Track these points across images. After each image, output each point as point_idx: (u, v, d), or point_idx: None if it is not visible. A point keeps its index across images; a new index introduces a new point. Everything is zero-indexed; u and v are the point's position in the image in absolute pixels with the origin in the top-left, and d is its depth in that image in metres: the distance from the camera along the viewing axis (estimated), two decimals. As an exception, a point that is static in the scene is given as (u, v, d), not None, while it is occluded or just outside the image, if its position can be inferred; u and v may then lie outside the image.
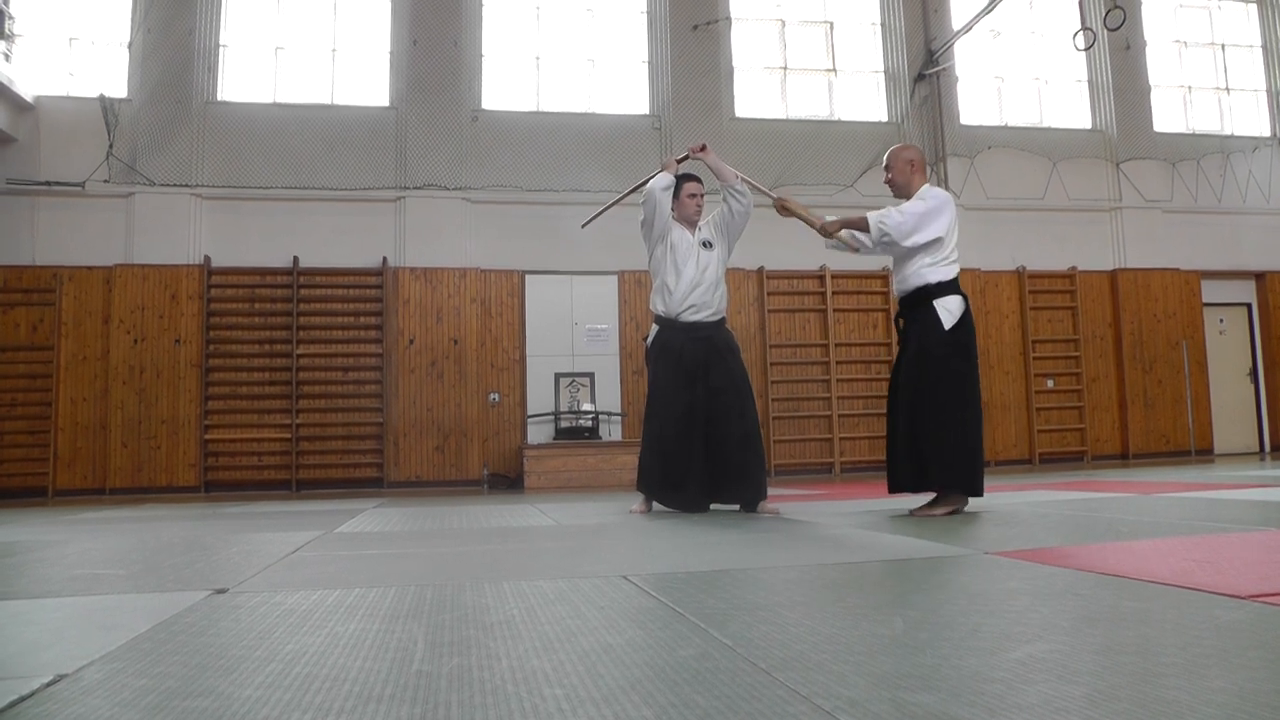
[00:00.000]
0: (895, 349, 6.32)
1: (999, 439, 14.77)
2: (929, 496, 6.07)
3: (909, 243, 5.89)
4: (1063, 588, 2.99)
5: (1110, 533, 4.59)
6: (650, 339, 6.73)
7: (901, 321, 6.16)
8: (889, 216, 5.90)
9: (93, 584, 3.67)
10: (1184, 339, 15.53)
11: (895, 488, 6.02)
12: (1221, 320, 16.19)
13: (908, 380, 5.97)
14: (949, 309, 5.89)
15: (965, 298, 6.00)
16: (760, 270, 14.14)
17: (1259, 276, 16.21)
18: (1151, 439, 15.19)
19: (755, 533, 5.15)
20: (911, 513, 5.92)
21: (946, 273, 5.95)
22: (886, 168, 6.26)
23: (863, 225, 6.00)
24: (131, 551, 4.98)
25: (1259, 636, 2.22)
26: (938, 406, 5.82)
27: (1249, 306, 16.35)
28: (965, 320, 5.93)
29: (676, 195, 6.65)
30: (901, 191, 6.19)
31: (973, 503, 6.16)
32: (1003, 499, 7.42)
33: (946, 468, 5.82)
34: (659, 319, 6.65)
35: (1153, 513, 5.60)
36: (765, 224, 14.05)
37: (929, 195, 5.99)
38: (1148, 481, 9.24)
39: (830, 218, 6.24)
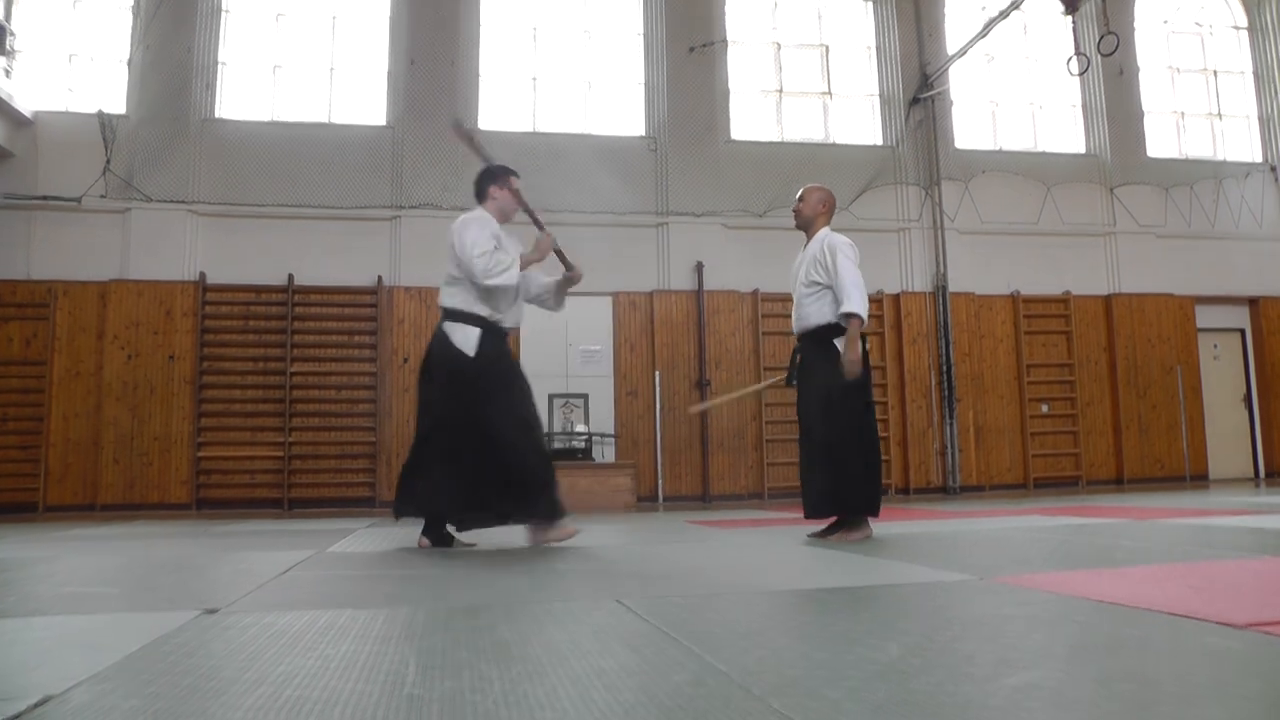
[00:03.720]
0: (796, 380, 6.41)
1: (993, 463, 14.76)
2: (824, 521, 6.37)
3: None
4: (1058, 614, 2.98)
5: (1105, 559, 4.59)
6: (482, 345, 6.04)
7: (799, 357, 6.39)
8: (856, 303, 6.03)
9: (82, 602, 3.65)
10: (1178, 364, 15.54)
11: (813, 513, 6.22)
12: (1216, 346, 16.21)
13: (817, 412, 6.16)
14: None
15: (864, 337, 6.24)
16: (755, 293, 14.15)
17: (1252, 302, 16.23)
18: (1146, 464, 15.19)
19: (749, 556, 5.14)
20: (815, 535, 6.29)
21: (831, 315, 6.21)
22: (800, 199, 6.52)
23: (855, 328, 6.10)
24: (122, 569, 4.96)
25: (1255, 666, 2.21)
26: (848, 437, 6.07)
27: (1243, 332, 16.37)
28: (865, 358, 6.16)
29: (502, 187, 6.29)
30: (804, 225, 6.50)
31: (964, 526, 6.15)
32: (997, 523, 7.41)
33: (857, 493, 6.09)
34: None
35: (1147, 539, 5.59)
36: (760, 245, 14.10)
37: (847, 249, 6.20)
38: (1142, 507, 9.24)
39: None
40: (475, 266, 5.81)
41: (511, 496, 5.84)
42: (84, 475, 12.66)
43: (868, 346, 6.30)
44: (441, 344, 5.95)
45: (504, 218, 6.23)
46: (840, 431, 6.04)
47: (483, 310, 5.93)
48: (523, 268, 6.16)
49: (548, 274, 6.55)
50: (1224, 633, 2.55)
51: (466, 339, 5.89)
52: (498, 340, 6.03)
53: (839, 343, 6.07)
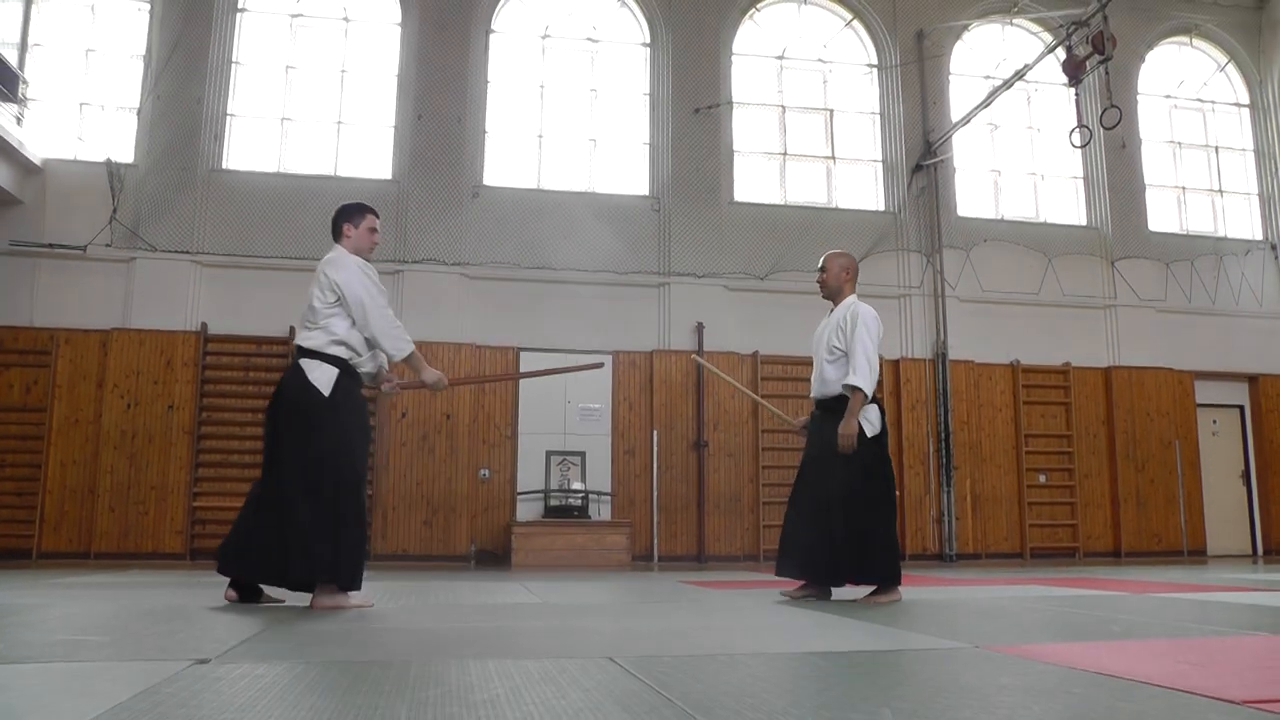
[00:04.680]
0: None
1: (990, 532, 14.71)
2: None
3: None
4: (1055, 685, 2.96)
5: (1102, 631, 4.56)
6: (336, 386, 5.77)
7: (818, 417, 6.55)
8: (862, 377, 6.18)
9: (74, 650, 3.63)
10: (1177, 439, 15.53)
11: (835, 580, 6.36)
12: (1215, 421, 16.20)
13: (840, 477, 6.23)
14: (870, 420, 6.30)
15: (882, 409, 6.41)
16: (755, 355, 14.16)
17: (1252, 379, 16.25)
18: (1144, 538, 15.13)
19: (743, 618, 5.11)
20: (791, 596, 6.42)
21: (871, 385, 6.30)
22: (822, 269, 6.66)
23: (858, 402, 6.21)
24: (114, 618, 4.93)
25: (1252, 742, 2.20)
26: (869, 505, 6.24)
27: (1242, 409, 16.37)
28: (884, 430, 6.35)
29: (356, 225, 6.05)
30: (831, 294, 6.65)
31: (961, 594, 6.14)
32: (993, 592, 7.38)
33: (876, 561, 6.27)
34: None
35: (1145, 613, 5.56)
36: (761, 307, 14.14)
37: (870, 322, 6.33)
38: (1140, 580, 9.19)
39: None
40: (385, 325, 5.74)
41: (297, 552, 5.46)
42: (79, 523, 12.61)
43: (885, 420, 6.43)
44: (295, 379, 5.70)
45: (360, 255, 6.01)
46: (870, 499, 6.22)
47: (342, 352, 5.73)
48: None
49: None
50: (1221, 709, 2.54)
51: (324, 377, 5.67)
52: (353, 384, 5.84)
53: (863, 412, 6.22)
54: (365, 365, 5.86)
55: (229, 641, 3.85)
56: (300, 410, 5.63)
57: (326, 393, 5.62)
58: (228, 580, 5.83)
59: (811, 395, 6.59)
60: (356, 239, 6.02)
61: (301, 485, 5.50)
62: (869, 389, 6.14)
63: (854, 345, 6.20)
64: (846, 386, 6.16)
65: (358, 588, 5.61)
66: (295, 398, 5.67)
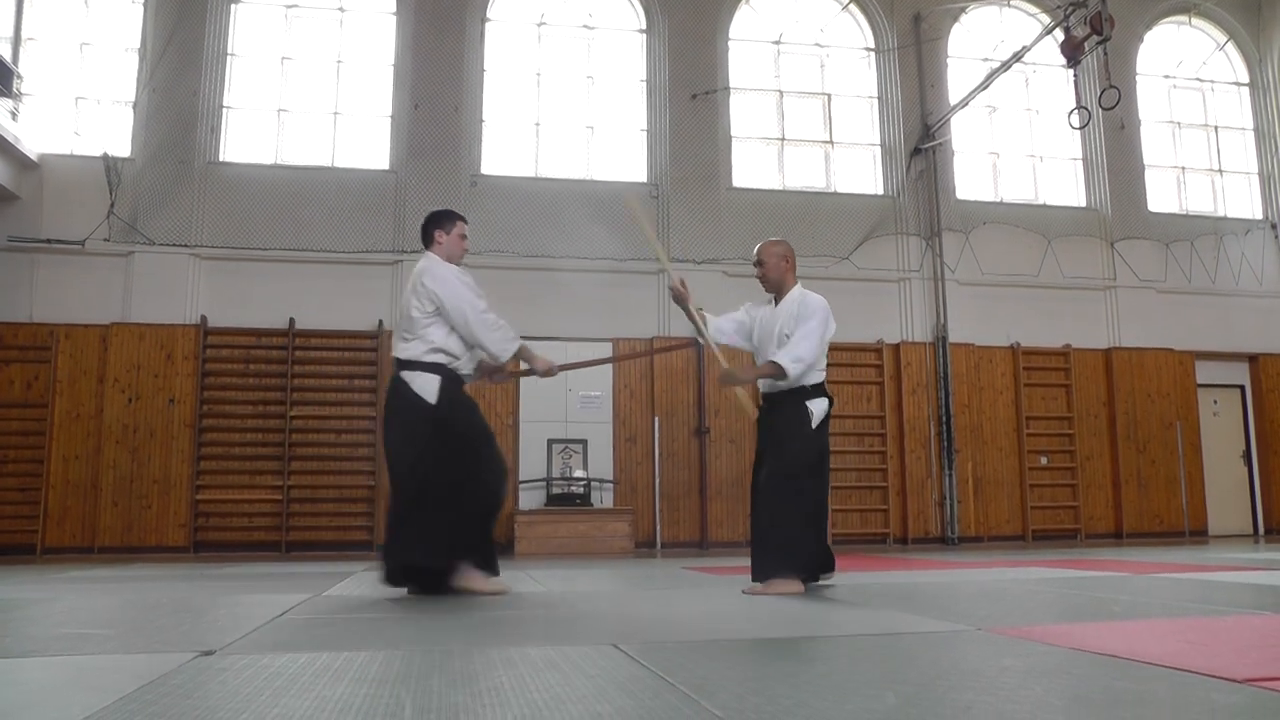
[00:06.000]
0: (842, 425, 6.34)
1: (992, 514, 14.72)
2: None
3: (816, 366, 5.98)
4: (1056, 666, 2.97)
5: (1104, 612, 4.57)
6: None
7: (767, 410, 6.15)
8: (800, 354, 5.85)
9: (78, 643, 3.64)
10: (1178, 419, 15.53)
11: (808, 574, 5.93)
12: (1215, 402, 16.20)
13: (769, 467, 5.99)
14: (816, 411, 5.93)
15: (830, 400, 6.07)
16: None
17: (1252, 359, 16.23)
18: (1145, 519, 15.14)
19: (745, 603, 5.12)
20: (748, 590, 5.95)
21: (820, 376, 6.03)
22: (759, 262, 6.27)
23: (767, 371, 5.97)
24: (118, 611, 4.95)
25: None
26: (784, 496, 5.85)
27: (1242, 388, 16.36)
28: (825, 422, 5.98)
29: (448, 232, 6.21)
30: (774, 287, 6.25)
31: (962, 577, 6.12)
32: (995, 575, 7.39)
33: (821, 548, 5.96)
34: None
35: (1146, 593, 5.57)
36: (760, 293, 14.14)
37: (817, 309, 5.99)
38: (1141, 561, 9.21)
39: (729, 368, 6.16)
40: (487, 331, 5.83)
41: (453, 545, 5.70)
42: (83, 518, 12.62)
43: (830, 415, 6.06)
44: (400, 393, 5.80)
45: (451, 262, 6.12)
46: (786, 491, 5.83)
47: (441, 359, 5.83)
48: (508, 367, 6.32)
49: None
50: (1223, 687, 2.54)
51: (428, 386, 5.76)
52: (456, 387, 5.91)
53: (811, 404, 5.91)
54: (465, 367, 5.98)
55: (234, 633, 3.86)
56: (409, 423, 5.76)
57: (433, 400, 5.73)
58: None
59: (761, 390, 6.22)
60: (448, 245, 6.17)
61: (428, 491, 5.67)
62: (792, 376, 5.83)
63: (802, 330, 5.90)
64: (771, 363, 5.87)
65: (495, 571, 5.88)
66: (403, 411, 5.79)
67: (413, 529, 5.64)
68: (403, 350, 5.85)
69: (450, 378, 5.84)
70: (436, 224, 6.19)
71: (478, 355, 6.05)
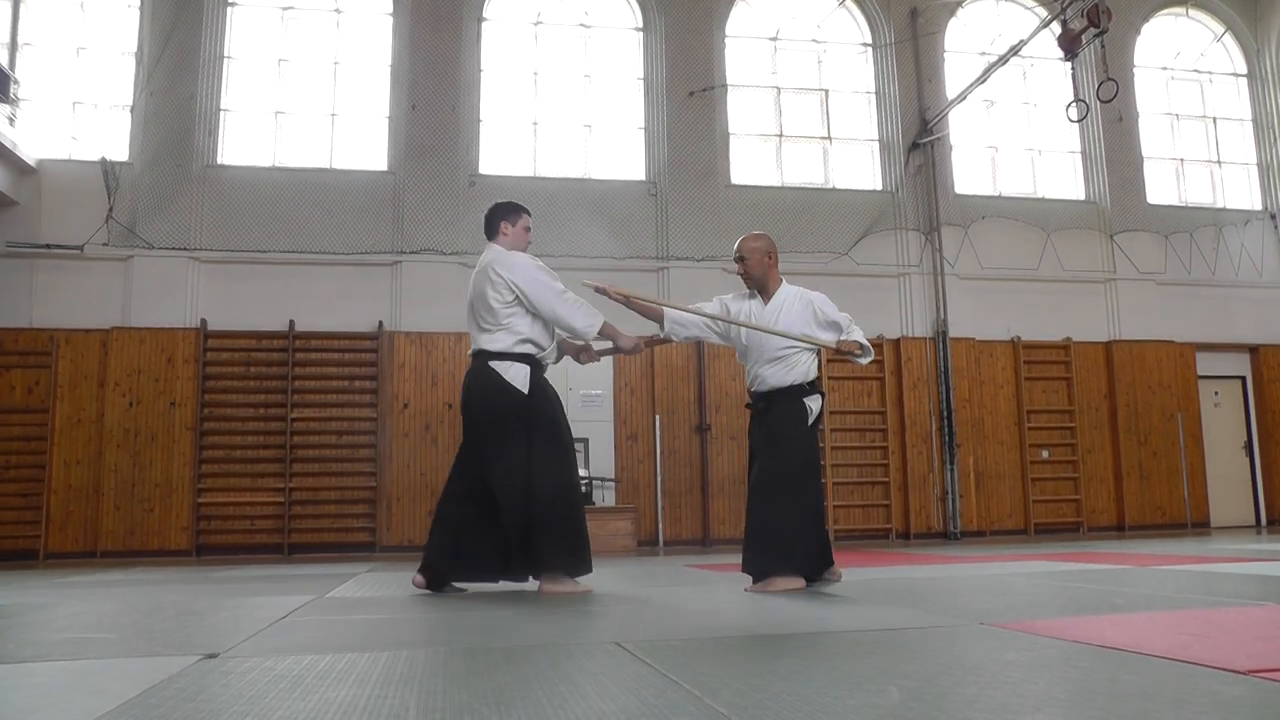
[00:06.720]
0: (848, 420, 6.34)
1: (994, 508, 14.72)
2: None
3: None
4: (1059, 659, 2.97)
5: (1107, 605, 4.57)
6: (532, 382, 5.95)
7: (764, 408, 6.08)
8: (862, 338, 6.00)
9: (82, 648, 3.64)
10: (1179, 411, 15.53)
11: (807, 573, 5.88)
12: (1216, 393, 16.20)
13: (762, 464, 5.99)
14: (812, 408, 5.96)
15: (823, 396, 6.09)
16: (756, 337, 14.13)
17: (1253, 350, 16.24)
18: (1147, 511, 15.14)
19: (748, 600, 5.12)
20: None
21: (816, 373, 6.11)
22: (740, 259, 6.31)
23: (867, 351, 6.03)
24: (121, 615, 4.95)
25: (1259, 713, 2.20)
26: (777, 490, 5.84)
27: (1243, 380, 16.37)
28: (819, 420, 6.01)
29: (514, 224, 6.26)
30: (758, 284, 6.28)
31: (965, 571, 6.12)
32: (998, 569, 7.39)
33: (820, 545, 5.92)
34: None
35: (1149, 585, 5.57)
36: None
37: (837, 309, 6.11)
38: (1143, 553, 9.21)
39: (851, 337, 6.06)
40: (570, 310, 5.93)
41: (534, 546, 5.71)
42: (85, 522, 12.63)
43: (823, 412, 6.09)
44: (491, 383, 5.80)
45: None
46: (777, 486, 5.84)
47: (530, 349, 5.88)
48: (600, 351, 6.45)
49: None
50: (1227, 679, 2.54)
51: (520, 375, 5.80)
52: (543, 378, 5.99)
53: (809, 401, 5.93)
54: (550, 357, 6.07)
55: (237, 636, 3.86)
56: (501, 413, 5.79)
57: (526, 390, 5.79)
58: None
59: (753, 389, 6.13)
60: (514, 237, 6.20)
61: (520, 485, 5.71)
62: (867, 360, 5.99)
63: (844, 317, 6.03)
64: (858, 343, 5.90)
65: (587, 571, 5.86)
66: (494, 401, 5.81)
67: (552, 538, 5.69)
68: (488, 341, 5.86)
69: (538, 367, 5.92)
70: (502, 215, 6.24)
71: (556, 344, 6.12)
